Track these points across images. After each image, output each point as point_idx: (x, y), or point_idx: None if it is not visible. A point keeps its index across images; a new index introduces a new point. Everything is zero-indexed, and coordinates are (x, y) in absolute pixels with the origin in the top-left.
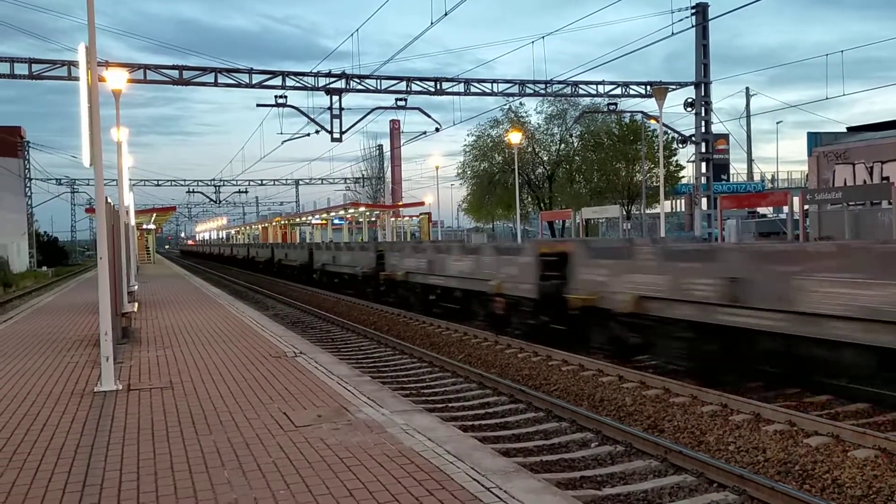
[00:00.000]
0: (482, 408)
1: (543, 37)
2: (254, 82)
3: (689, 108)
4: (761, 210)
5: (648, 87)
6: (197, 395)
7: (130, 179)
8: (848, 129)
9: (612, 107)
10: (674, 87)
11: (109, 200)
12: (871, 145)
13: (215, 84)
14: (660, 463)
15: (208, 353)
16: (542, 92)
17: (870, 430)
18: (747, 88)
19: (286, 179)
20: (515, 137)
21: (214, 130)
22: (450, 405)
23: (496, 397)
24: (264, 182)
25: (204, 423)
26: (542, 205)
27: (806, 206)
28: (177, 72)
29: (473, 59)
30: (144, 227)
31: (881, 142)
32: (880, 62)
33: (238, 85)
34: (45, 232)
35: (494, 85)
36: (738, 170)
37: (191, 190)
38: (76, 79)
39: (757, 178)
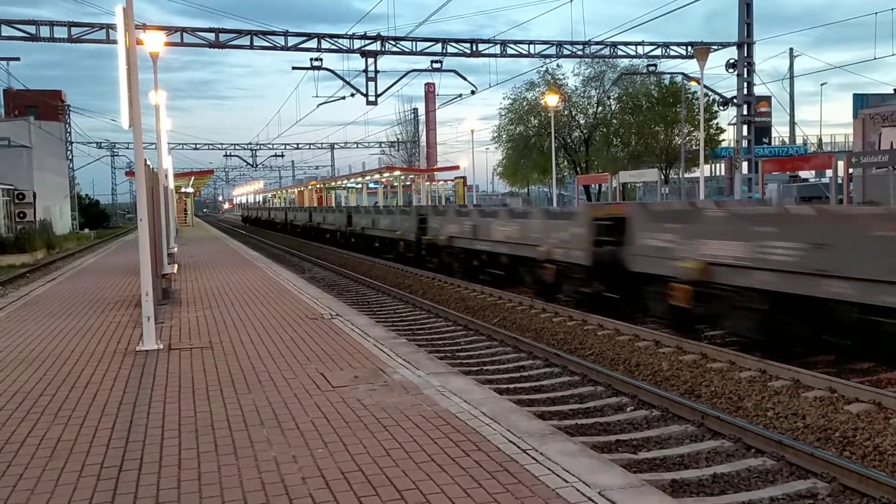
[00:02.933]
0: (517, 371)
1: None
2: (289, 45)
3: (730, 70)
4: (803, 174)
5: (689, 48)
6: (236, 354)
7: (168, 143)
8: None
9: (651, 68)
10: (716, 47)
11: (148, 163)
12: None
13: (251, 47)
14: (696, 428)
15: (246, 315)
16: (580, 53)
17: None
18: (791, 49)
19: (321, 143)
20: (552, 100)
21: (250, 94)
22: (485, 368)
23: (531, 361)
24: (300, 146)
25: (243, 382)
26: (578, 169)
27: (850, 170)
28: (213, 35)
29: (508, 21)
30: (183, 190)
31: None
32: None
33: (273, 48)
34: (86, 195)
35: (531, 46)
36: (779, 133)
37: (227, 153)
38: (114, 42)
39: (799, 141)
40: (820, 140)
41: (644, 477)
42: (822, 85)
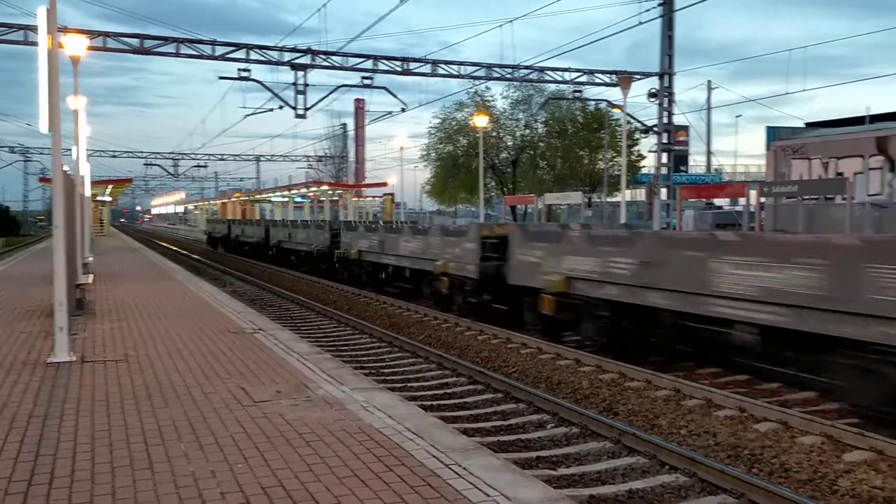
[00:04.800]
0: (442, 388)
1: (511, 21)
2: (217, 54)
3: (652, 99)
4: (718, 202)
5: (613, 77)
6: (153, 368)
7: (87, 149)
8: (806, 124)
9: (576, 94)
10: (638, 76)
11: (66, 169)
12: (828, 141)
13: (177, 55)
14: (614, 445)
15: (165, 328)
16: (509, 76)
17: (817, 417)
18: (709, 82)
19: (247, 155)
20: (481, 121)
21: (174, 102)
22: (409, 385)
23: (455, 378)
24: (225, 157)
25: (160, 396)
26: (505, 189)
27: (762, 199)
28: (137, 41)
29: (438, 42)
30: (99, 198)
31: (837, 138)
32: (841, 59)
33: (200, 56)
34: None
35: (461, 67)
36: (697, 161)
37: (148, 162)
38: (33, 44)
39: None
40: (710, 166)
41: (564, 492)
42: (737, 117)
